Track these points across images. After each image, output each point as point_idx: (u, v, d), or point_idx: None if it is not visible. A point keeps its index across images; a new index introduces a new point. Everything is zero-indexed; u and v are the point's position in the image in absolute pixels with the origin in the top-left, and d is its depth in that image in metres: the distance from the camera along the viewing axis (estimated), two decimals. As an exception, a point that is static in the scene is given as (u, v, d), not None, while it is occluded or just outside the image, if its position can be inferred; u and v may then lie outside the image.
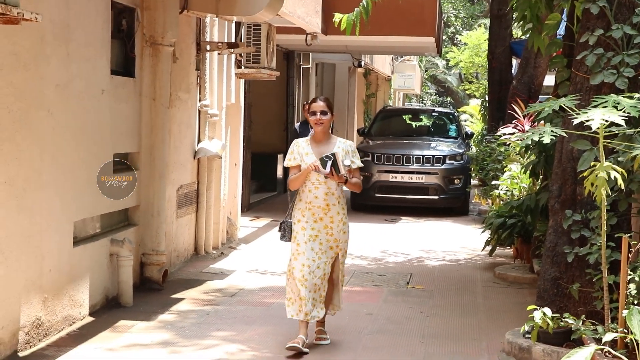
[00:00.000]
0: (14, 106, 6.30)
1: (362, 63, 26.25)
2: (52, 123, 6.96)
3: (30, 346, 6.62)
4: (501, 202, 11.60)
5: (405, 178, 16.10)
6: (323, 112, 6.17)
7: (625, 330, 5.18)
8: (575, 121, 5.69)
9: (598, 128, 5.50)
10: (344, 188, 6.40)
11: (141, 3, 8.87)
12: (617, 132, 5.68)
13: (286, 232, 6.14)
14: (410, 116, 19.25)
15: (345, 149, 6.24)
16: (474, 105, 28.64)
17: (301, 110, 19.45)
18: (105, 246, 8.10)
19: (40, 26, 6.26)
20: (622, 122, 5.51)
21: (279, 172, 19.38)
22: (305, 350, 6.27)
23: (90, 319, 7.62)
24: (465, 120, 22.86)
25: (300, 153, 6.14)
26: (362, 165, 7.10)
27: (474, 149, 16.73)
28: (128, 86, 8.69)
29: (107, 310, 7.99)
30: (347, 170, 5.99)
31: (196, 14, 9.83)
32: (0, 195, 6.18)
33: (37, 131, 6.69)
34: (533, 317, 6.13)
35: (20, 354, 6.46)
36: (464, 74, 37.92)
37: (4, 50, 6.11)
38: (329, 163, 5.41)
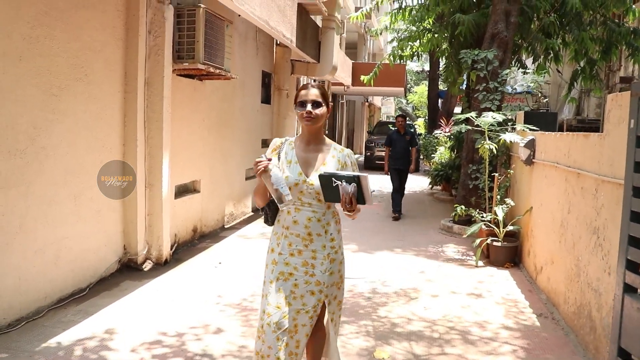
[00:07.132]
0: (222, 117, 6.71)
1: (368, 100, 26.17)
2: (237, 124, 7.32)
3: (228, 224, 7.09)
4: (435, 164, 11.79)
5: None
6: (316, 104, 2.06)
7: (495, 216, 5.55)
8: (476, 122, 6.05)
9: (484, 126, 5.93)
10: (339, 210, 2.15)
11: (274, 70, 9.12)
12: (493, 129, 6.01)
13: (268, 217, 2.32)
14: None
15: (343, 160, 2.14)
16: (420, 121, 28.55)
17: (345, 123, 19.46)
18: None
19: (234, 81, 6.65)
20: (496, 124, 5.93)
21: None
22: None
23: (252, 213, 8.05)
24: (417, 127, 23.04)
25: (281, 160, 2.14)
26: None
27: (421, 142, 16.78)
28: (267, 108, 8.96)
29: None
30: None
31: (297, 76, 10.03)
32: (217, 156, 6.59)
33: (230, 127, 7.07)
34: (456, 210, 6.32)
35: (225, 226, 6.93)
36: (415, 106, 37.68)
37: (220, 92, 6.52)
38: (348, 188, 1.86)
